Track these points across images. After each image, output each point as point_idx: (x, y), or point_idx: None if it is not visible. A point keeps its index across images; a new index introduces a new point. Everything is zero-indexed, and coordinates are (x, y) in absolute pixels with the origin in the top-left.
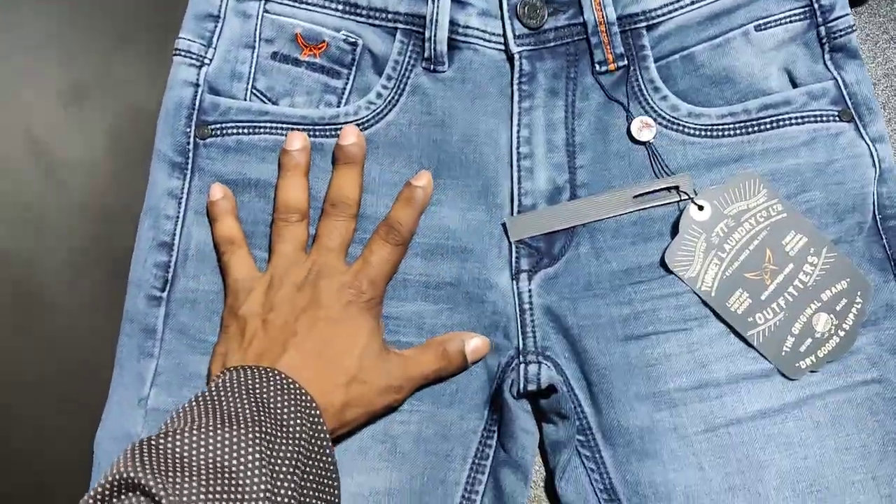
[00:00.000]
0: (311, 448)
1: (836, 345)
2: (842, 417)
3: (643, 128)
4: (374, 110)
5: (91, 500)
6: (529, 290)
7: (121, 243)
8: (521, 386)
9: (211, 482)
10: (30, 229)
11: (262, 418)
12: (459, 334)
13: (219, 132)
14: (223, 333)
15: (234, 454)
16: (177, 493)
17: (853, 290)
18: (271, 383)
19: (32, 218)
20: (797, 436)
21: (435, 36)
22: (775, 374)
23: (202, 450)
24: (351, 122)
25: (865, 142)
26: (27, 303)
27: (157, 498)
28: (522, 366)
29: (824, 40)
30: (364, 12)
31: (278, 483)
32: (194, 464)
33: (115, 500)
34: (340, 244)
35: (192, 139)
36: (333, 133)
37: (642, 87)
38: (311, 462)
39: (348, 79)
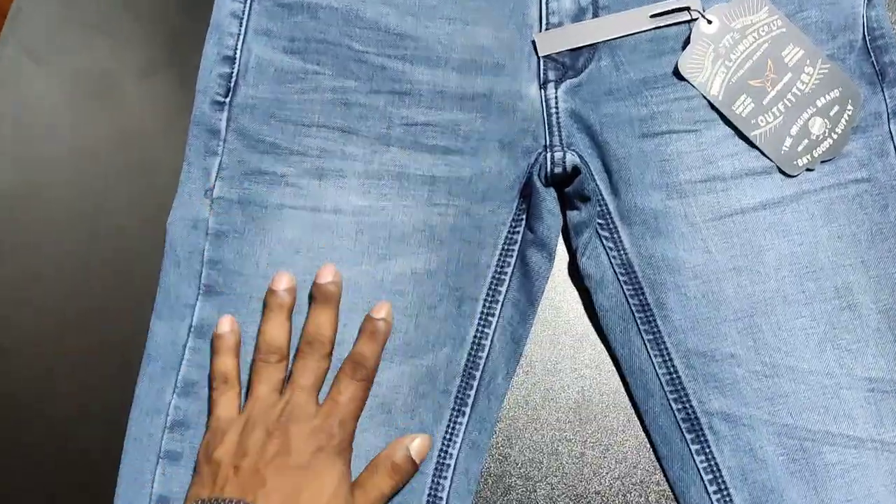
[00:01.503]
0: None
1: (829, 146)
2: (834, 210)
3: None
4: None
5: None
6: (556, 97)
7: (187, 58)
8: (549, 170)
9: None
10: (108, 44)
11: None
12: (400, 441)
13: None
14: (196, 476)
15: None
16: None
17: (845, 98)
18: None
19: (111, 33)
20: (794, 225)
21: None
22: (775, 170)
23: None
24: None
25: None
26: (108, 100)
27: None
28: (549, 153)
29: None
30: None
31: None
32: None
33: None
34: (313, 383)
35: None
36: None
37: None
38: None
39: None
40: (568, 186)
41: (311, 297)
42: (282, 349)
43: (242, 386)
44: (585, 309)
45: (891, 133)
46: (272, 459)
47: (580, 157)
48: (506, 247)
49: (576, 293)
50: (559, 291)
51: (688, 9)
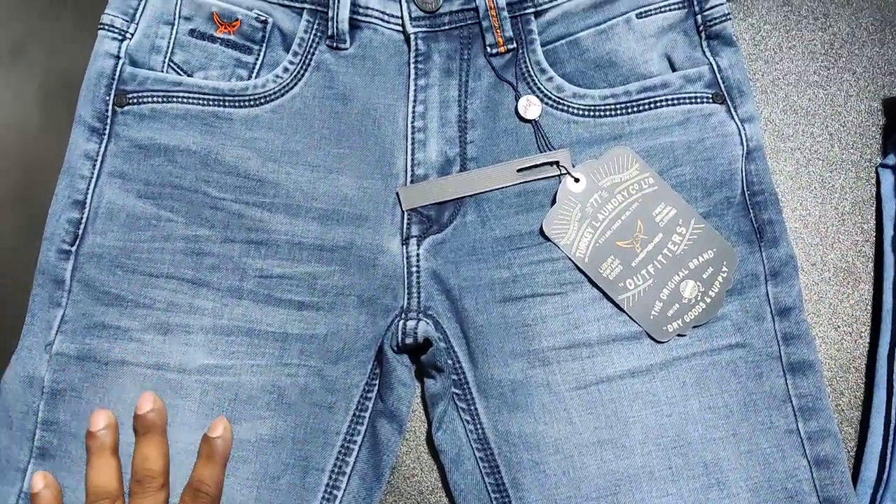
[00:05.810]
0: None
1: (702, 310)
2: (706, 378)
3: (528, 106)
4: (280, 83)
5: None
6: (418, 255)
7: (41, 198)
8: (400, 340)
9: None
10: None
11: None
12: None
13: (135, 101)
14: None
15: None
16: None
17: (719, 260)
18: None
19: None
20: (663, 394)
21: (337, 15)
22: (644, 336)
23: None
24: (259, 93)
25: (735, 122)
26: None
27: None
28: (402, 322)
29: (701, 28)
30: None
31: None
32: None
33: None
34: None
35: (110, 106)
36: (243, 104)
37: (530, 68)
38: None
39: (259, 55)
40: (423, 354)
41: (135, 431)
42: (111, 493)
43: None
44: (442, 482)
45: (768, 296)
46: None
47: (437, 323)
48: (357, 413)
49: (433, 462)
50: (415, 458)
51: (557, 163)
